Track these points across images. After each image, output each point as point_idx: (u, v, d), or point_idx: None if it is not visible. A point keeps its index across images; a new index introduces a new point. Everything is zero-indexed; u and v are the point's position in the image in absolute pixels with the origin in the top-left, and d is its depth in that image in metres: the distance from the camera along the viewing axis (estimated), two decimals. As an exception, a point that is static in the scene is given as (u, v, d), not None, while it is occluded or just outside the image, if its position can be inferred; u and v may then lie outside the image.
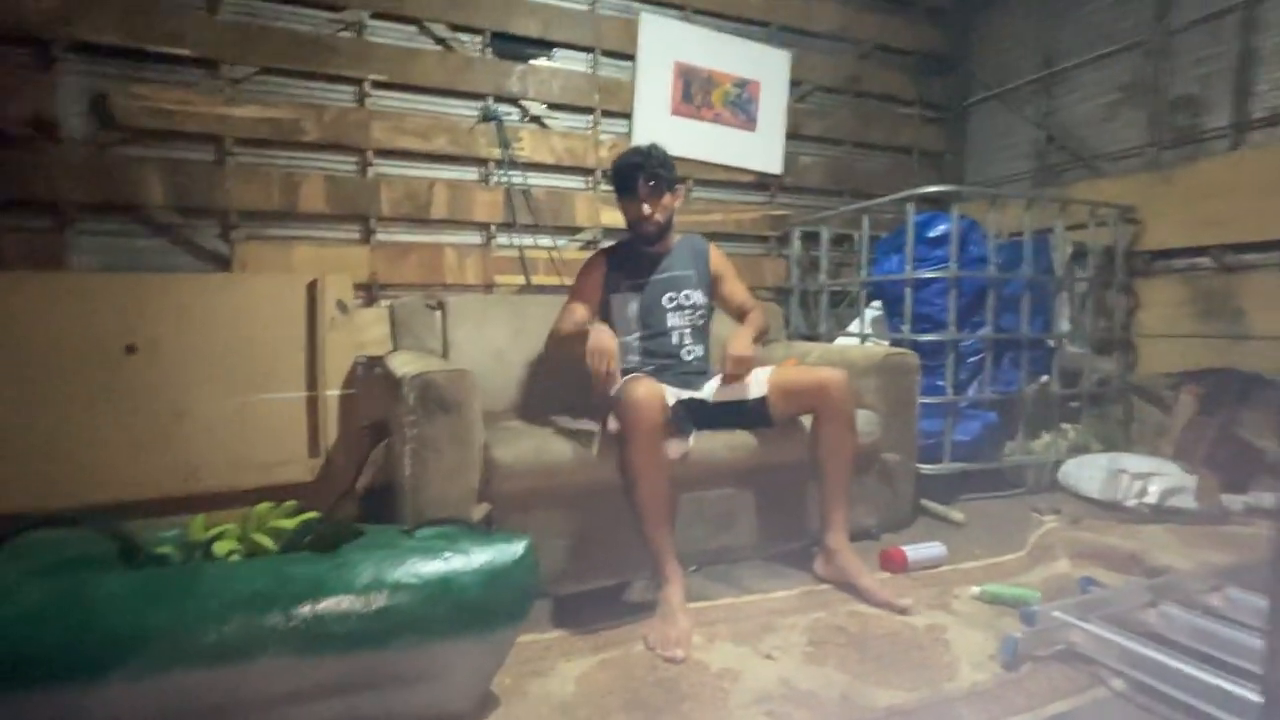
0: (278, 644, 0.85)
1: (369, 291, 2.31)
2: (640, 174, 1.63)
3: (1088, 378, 2.45)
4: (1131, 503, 2.01)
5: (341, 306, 2.08)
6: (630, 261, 1.75)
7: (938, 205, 2.46)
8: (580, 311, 1.69)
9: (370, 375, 2.20)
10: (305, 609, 0.87)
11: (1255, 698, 0.93)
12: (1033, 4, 3.00)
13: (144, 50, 1.99)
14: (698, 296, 1.74)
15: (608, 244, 1.79)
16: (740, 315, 1.79)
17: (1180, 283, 2.41)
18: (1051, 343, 2.39)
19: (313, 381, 2.05)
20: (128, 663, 0.80)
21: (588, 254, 2.58)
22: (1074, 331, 2.47)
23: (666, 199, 1.68)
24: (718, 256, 1.83)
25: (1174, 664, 1.05)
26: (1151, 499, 1.98)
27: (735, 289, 1.83)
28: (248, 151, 2.15)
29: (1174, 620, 1.26)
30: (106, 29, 1.95)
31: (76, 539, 1.00)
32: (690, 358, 1.72)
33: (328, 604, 0.88)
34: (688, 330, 1.72)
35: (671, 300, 1.72)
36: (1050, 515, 1.99)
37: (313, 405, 2.05)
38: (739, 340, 1.60)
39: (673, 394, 1.51)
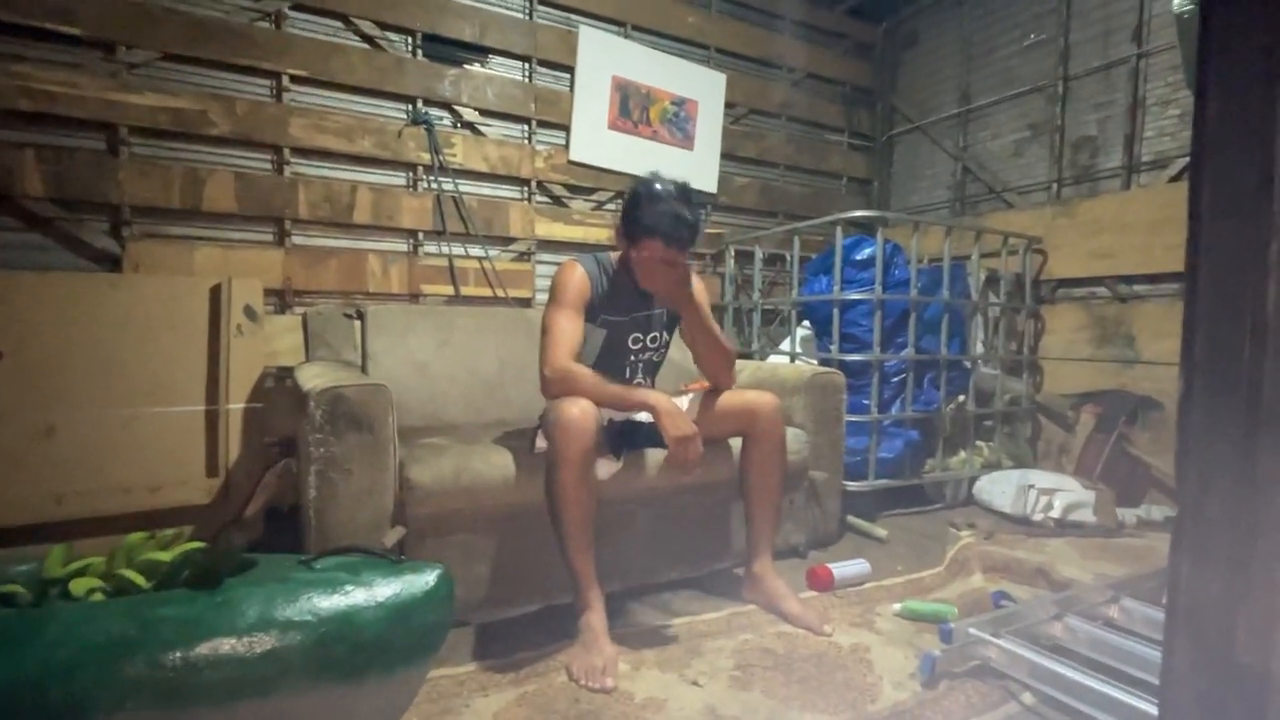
0: (139, 696, 0.75)
1: (282, 298, 2.16)
2: (685, 229, 1.38)
3: (1000, 397, 2.58)
4: (1038, 517, 2.11)
5: (250, 313, 1.93)
6: (610, 291, 1.52)
7: (865, 229, 2.55)
8: (577, 330, 1.44)
9: (280, 388, 2.05)
10: (174, 655, 0.77)
11: (1152, 710, 0.97)
12: (951, 46, 3.19)
13: (25, 25, 1.80)
14: (664, 336, 1.62)
15: (585, 257, 1.53)
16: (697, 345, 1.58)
17: (1080, 309, 2.58)
18: (968, 364, 2.51)
19: (214, 394, 1.89)
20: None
21: (521, 266, 2.55)
22: (987, 353, 2.61)
23: (684, 272, 1.44)
24: (699, 290, 1.54)
25: (1077, 678, 1.09)
26: (1055, 513, 2.09)
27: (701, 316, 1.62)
28: (145, 142, 1.97)
29: (1077, 633, 1.31)
30: (-22, -1, 1.75)
31: None
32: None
33: (203, 649, 0.78)
34: (641, 365, 1.61)
35: (637, 341, 1.57)
36: (966, 530, 2.06)
37: (212, 420, 1.88)
38: (679, 422, 1.37)
39: (605, 414, 1.46)
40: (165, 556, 0.95)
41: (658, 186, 1.41)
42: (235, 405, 1.89)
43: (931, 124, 3.27)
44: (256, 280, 1.97)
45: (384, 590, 0.93)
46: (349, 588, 0.91)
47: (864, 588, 1.66)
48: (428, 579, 0.98)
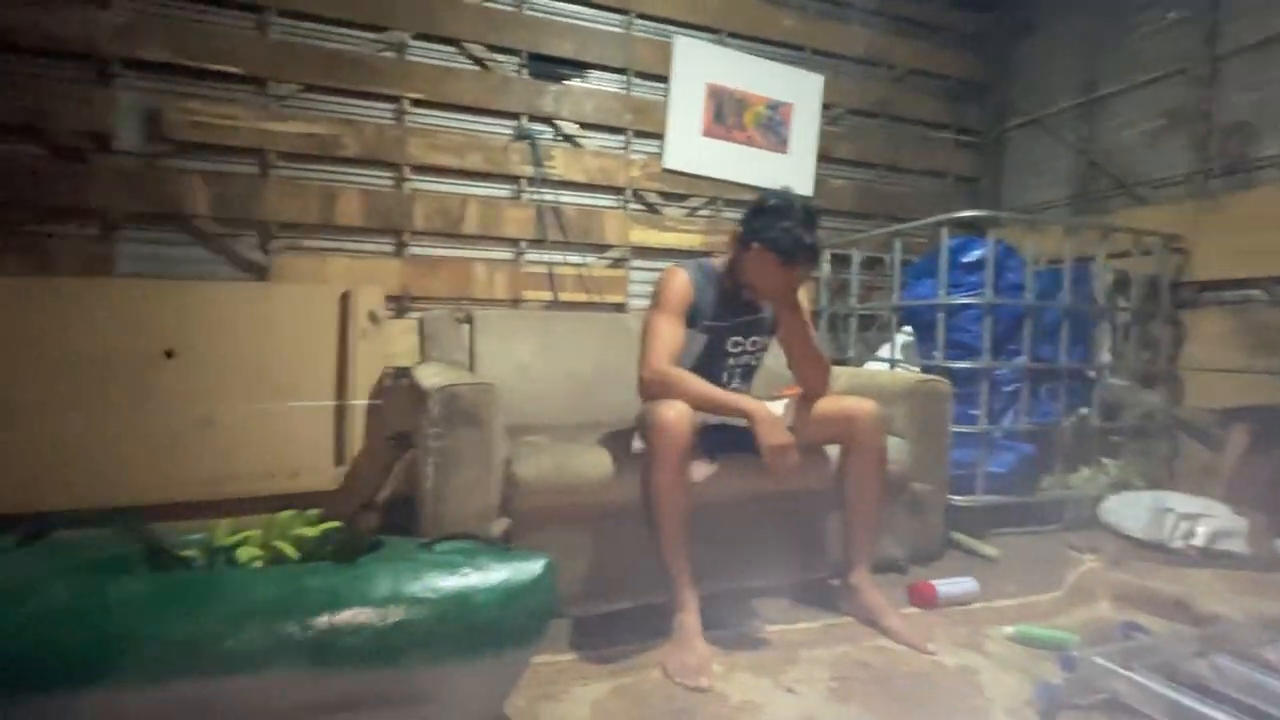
0: (291, 655, 0.85)
1: (399, 303, 2.34)
2: (804, 252, 1.39)
3: (1130, 411, 2.35)
4: (1177, 544, 1.91)
5: (373, 317, 2.11)
6: (711, 296, 1.53)
7: (973, 230, 2.41)
8: (679, 334, 1.46)
9: (397, 386, 2.22)
10: (321, 620, 0.86)
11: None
12: (1073, 32, 2.95)
13: (197, 68, 2.07)
14: (762, 340, 1.62)
15: (688, 263, 1.55)
16: (796, 351, 1.57)
17: (1230, 315, 2.31)
18: (1092, 374, 2.31)
19: (341, 391, 2.08)
20: (142, 668, 0.80)
21: (615, 272, 2.62)
22: (1115, 363, 2.39)
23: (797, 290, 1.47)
24: (801, 298, 1.56)
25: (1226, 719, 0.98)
26: (1199, 541, 1.88)
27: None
28: (289, 165, 2.21)
29: (1226, 673, 1.18)
30: (162, 47, 2.03)
31: (105, 540, 1.01)
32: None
33: (343, 616, 0.87)
34: (739, 370, 1.62)
35: (736, 345, 1.58)
36: (1089, 554, 1.90)
37: (340, 414, 2.07)
38: (775, 430, 1.36)
39: (701, 417, 1.48)
40: (311, 532, 1.06)
41: (785, 203, 1.42)
42: (359, 401, 2.08)
43: (1050, 115, 3.04)
44: (379, 287, 2.15)
45: (496, 575, 0.99)
46: (465, 570, 0.98)
47: (971, 608, 1.57)
48: (535, 567, 1.04)
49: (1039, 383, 2.22)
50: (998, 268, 2.13)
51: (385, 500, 1.50)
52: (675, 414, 1.32)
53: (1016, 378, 2.16)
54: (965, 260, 2.21)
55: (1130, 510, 2.08)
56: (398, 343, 2.27)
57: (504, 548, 1.10)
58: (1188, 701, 1.04)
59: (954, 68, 3.21)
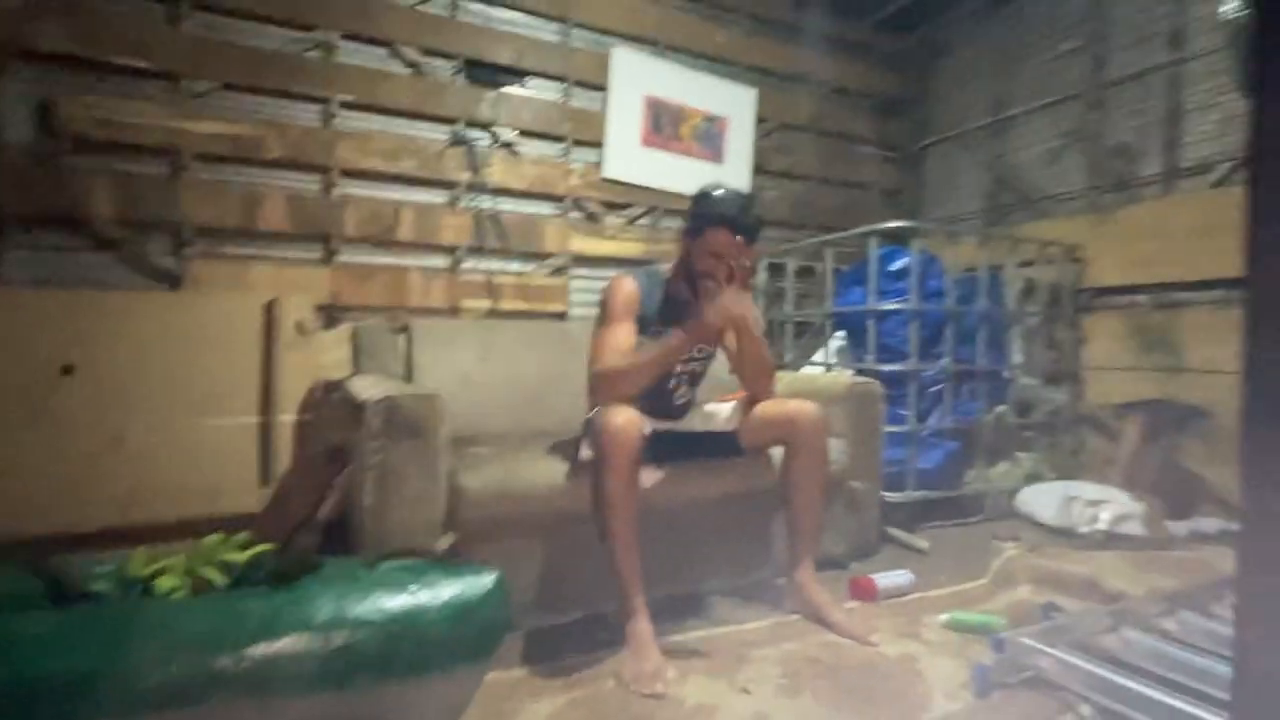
0: (228, 687, 0.79)
1: (329, 313, 2.23)
2: (749, 217, 1.45)
3: (1040, 408, 2.54)
4: (1084, 529, 2.07)
5: (301, 328, 2.01)
6: (659, 303, 1.54)
7: (898, 240, 2.55)
8: (628, 338, 1.46)
9: (328, 399, 2.12)
10: (259, 648, 0.81)
11: (1210, 717, 0.95)
12: (983, 55, 3.19)
13: (99, 61, 1.92)
14: (710, 348, 1.64)
15: (636, 271, 1.57)
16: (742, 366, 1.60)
17: (1121, 318, 2.54)
18: (1007, 374, 2.48)
19: (266, 405, 1.96)
20: (58, 711, 0.72)
21: (556, 281, 2.60)
22: (1026, 364, 2.58)
23: (746, 268, 1.47)
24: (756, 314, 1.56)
25: (1140, 689, 1.07)
26: (1103, 525, 2.05)
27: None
28: (206, 167, 2.07)
29: (1134, 645, 1.29)
30: (60, 37, 1.87)
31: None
32: (680, 402, 1.66)
33: (284, 643, 0.83)
34: (686, 377, 1.63)
35: (690, 348, 1.55)
36: (1010, 542, 2.03)
37: (265, 430, 1.95)
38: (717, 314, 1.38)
39: (649, 424, 1.48)
40: (240, 557, 1.00)
41: (721, 185, 1.50)
42: (286, 416, 1.97)
43: (963, 134, 3.26)
44: (306, 296, 2.05)
45: (446, 591, 0.96)
46: (414, 587, 0.95)
47: (908, 599, 1.64)
48: (486, 582, 1.01)
49: (961, 383, 2.37)
50: (921, 276, 2.26)
51: (325, 519, 1.43)
52: (625, 420, 1.32)
53: (941, 379, 2.29)
54: (892, 269, 2.33)
55: (1043, 500, 2.24)
56: (328, 354, 2.16)
57: (452, 563, 1.07)
58: (1102, 673, 1.13)
59: (878, 86, 3.40)
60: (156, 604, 0.87)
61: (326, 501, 1.40)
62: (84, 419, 1.74)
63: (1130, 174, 2.61)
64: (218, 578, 0.94)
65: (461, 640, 0.95)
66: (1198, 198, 2.34)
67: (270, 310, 1.98)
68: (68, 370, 1.75)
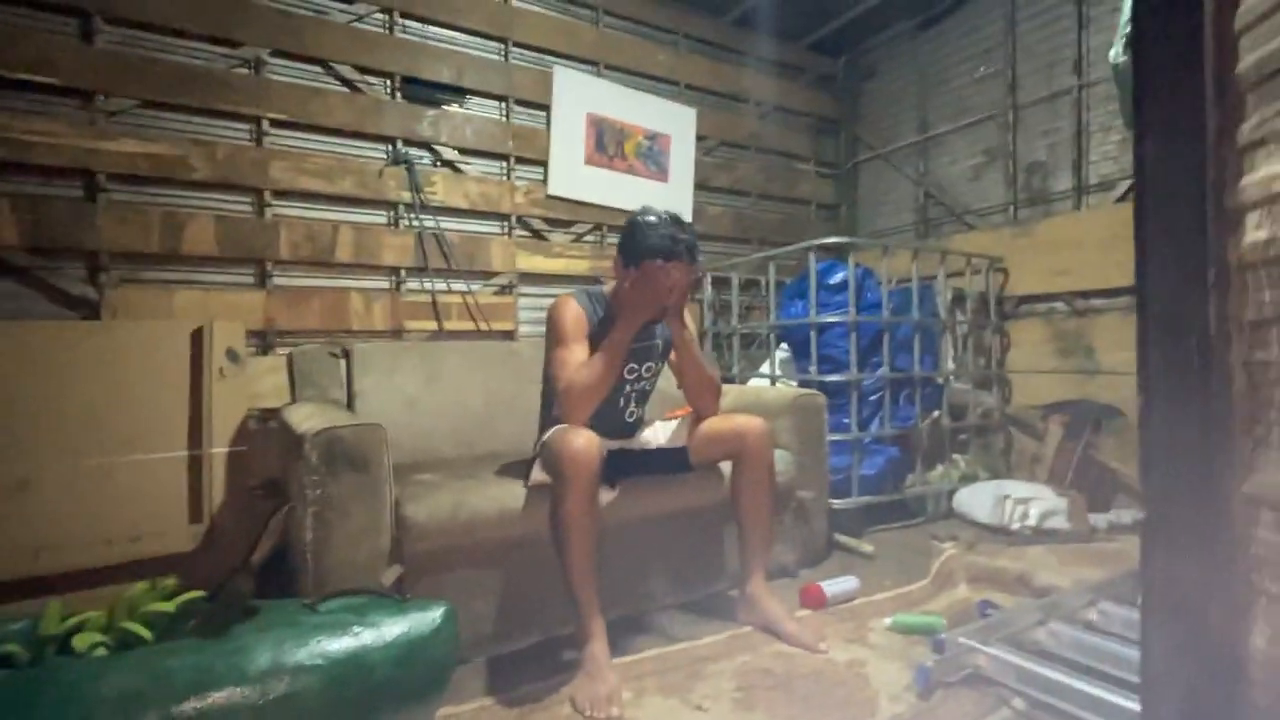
0: (153, 752, 0.75)
1: (264, 339, 2.15)
2: (684, 247, 1.44)
3: (972, 411, 2.67)
4: (1015, 526, 2.19)
5: (232, 355, 1.92)
6: (603, 322, 1.54)
7: (836, 254, 2.65)
8: (585, 358, 1.47)
9: (264, 430, 2.03)
10: (188, 707, 0.77)
11: (1134, 706, 1.02)
12: (908, 78, 3.36)
13: (5, 78, 1.80)
14: (657, 365, 1.66)
15: (576, 293, 1.58)
16: (687, 379, 1.63)
17: (1041, 324, 2.71)
18: (940, 380, 2.60)
19: (196, 439, 1.86)
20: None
21: (503, 299, 2.58)
22: (958, 369, 2.71)
23: (686, 294, 1.50)
24: (689, 321, 1.64)
25: (1063, 680, 1.14)
26: (1032, 522, 2.17)
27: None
28: (124, 189, 1.97)
29: (1060, 637, 1.37)
30: (-45, 52, 1.75)
31: None
32: (630, 419, 1.67)
33: (217, 698, 0.79)
34: (635, 395, 1.65)
35: (632, 371, 1.59)
36: (948, 542, 2.12)
37: (195, 465, 1.85)
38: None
39: (604, 444, 1.48)
40: (168, 607, 0.94)
41: (653, 214, 1.49)
42: (219, 449, 1.87)
43: (892, 151, 3.43)
44: (239, 322, 1.96)
45: (391, 630, 0.94)
46: (357, 629, 0.92)
47: (855, 603, 1.69)
48: (434, 616, 1.00)
49: (899, 390, 2.47)
50: (858, 288, 2.35)
51: (261, 559, 1.36)
52: (585, 442, 1.32)
53: (880, 387, 2.38)
54: (831, 282, 2.42)
55: (977, 499, 2.36)
56: (262, 382, 2.09)
57: (398, 598, 1.04)
58: (1032, 667, 1.20)
59: (812, 105, 3.53)
60: (75, 664, 0.81)
61: (261, 542, 1.34)
62: (-14, 462, 1.61)
63: (1044, 190, 2.79)
64: (142, 631, 0.89)
65: (410, 679, 0.93)
66: (1104, 212, 2.53)
67: (198, 338, 1.89)
68: (-33, 408, 1.63)
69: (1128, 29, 1.07)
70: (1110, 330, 2.49)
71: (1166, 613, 0.76)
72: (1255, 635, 0.67)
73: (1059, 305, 2.68)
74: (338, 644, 0.89)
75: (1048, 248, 2.66)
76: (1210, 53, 0.68)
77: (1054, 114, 2.75)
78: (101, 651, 0.87)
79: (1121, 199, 2.50)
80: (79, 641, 0.86)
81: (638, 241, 1.46)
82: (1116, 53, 1.12)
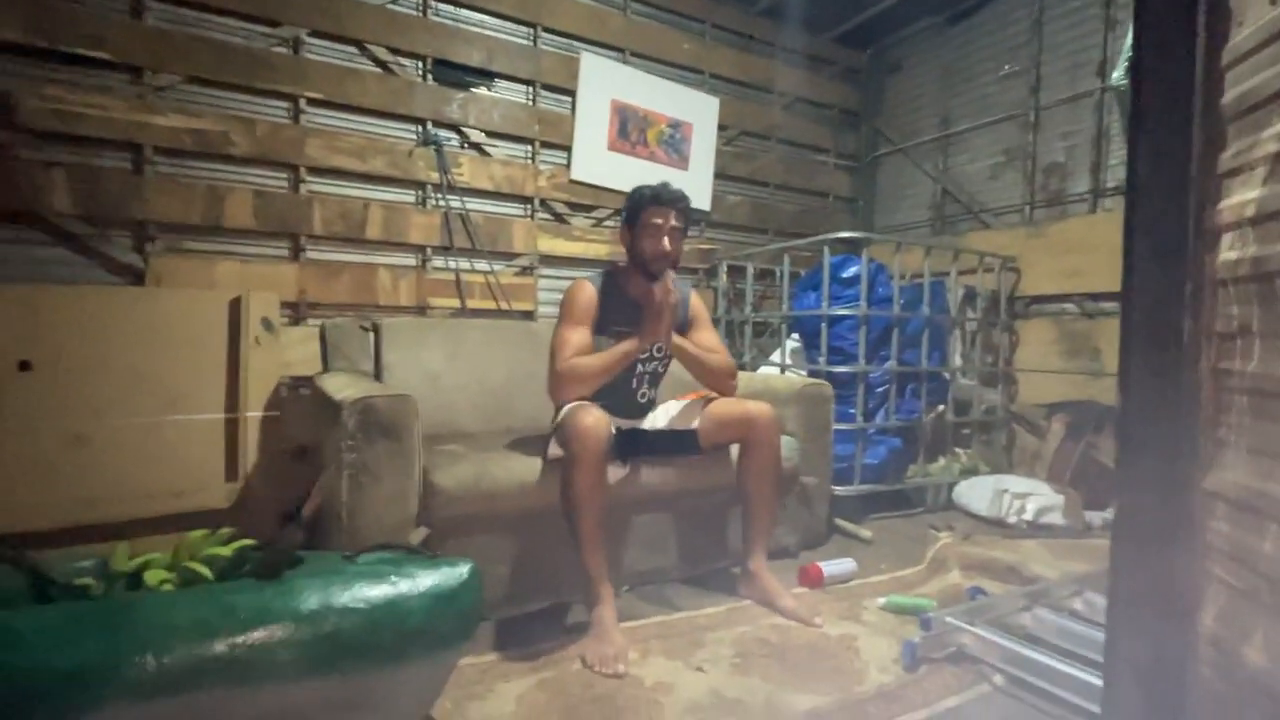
0: (221, 674, 0.85)
1: (296, 310, 2.25)
2: (672, 207, 1.61)
3: (976, 407, 2.73)
4: (1012, 519, 2.26)
5: (267, 325, 2.02)
6: (616, 303, 1.64)
7: (850, 247, 2.69)
8: (584, 341, 1.59)
9: (296, 396, 2.14)
10: (250, 637, 0.87)
11: (1099, 682, 1.10)
12: (932, 73, 3.36)
13: (58, 51, 1.89)
14: (667, 348, 1.69)
15: (594, 275, 1.69)
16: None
17: (1051, 324, 2.75)
18: (946, 375, 2.66)
19: (233, 403, 1.98)
20: (60, 702, 0.77)
21: (524, 280, 2.66)
22: (965, 366, 2.76)
23: (682, 239, 1.65)
24: (696, 303, 1.78)
25: (1040, 659, 1.22)
26: (1028, 516, 2.24)
27: (705, 336, 1.75)
28: (169, 161, 2.06)
29: (1044, 622, 1.44)
30: (16, 26, 1.83)
31: None
32: (643, 400, 1.75)
33: (273, 631, 0.88)
34: (647, 376, 1.73)
35: (643, 352, 1.65)
36: (945, 532, 2.20)
37: (232, 428, 1.97)
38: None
39: (615, 423, 1.57)
40: (225, 551, 1.05)
41: (646, 183, 1.66)
42: (253, 414, 1.98)
43: (913, 146, 3.44)
44: (273, 293, 2.06)
45: (425, 580, 1.03)
46: (394, 578, 1.02)
47: (851, 584, 1.78)
48: (462, 571, 1.09)
49: (905, 384, 2.53)
50: (870, 283, 2.41)
51: (308, 516, 1.46)
52: (594, 420, 1.41)
53: (886, 380, 2.45)
54: (844, 275, 2.47)
55: (976, 492, 2.43)
56: (294, 351, 2.19)
57: (429, 555, 1.14)
58: (1014, 646, 1.28)
59: (834, 98, 3.55)
60: (150, 597, 0.92)
61: (311, 500, 1.44)
62: (44, 416, 1.73)
63: (1061, 191, 2.81)
64: (204, 571, 0.99)
65: (439, 627, 1.02)
66: (1120, 216, 2.53)
67: (236, 307, 1.99)
68: (25, 366, 1.74)
69: (1129, 54, 1.11)
70: (1118, 334, 2.52)
71: (1130, 594, 0.84)
72: (1205, 615, 0.74)
73: (1069, 306, 2.71)
74: (377, 590, 0.98)
75: (1062, 249, 2.69)
76: (1200, 84, 0.73)
77: (1075, 116, 2.76)
78: (169, 587, 0.97)
79: (1137, 204, 2.52)
80: (150, 577, 0.97)
81: (633, 201, 1.64)
82: (1119, 76, 1.16)
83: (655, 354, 1.72)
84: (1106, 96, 2.65)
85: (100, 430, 1.80)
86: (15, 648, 0.79)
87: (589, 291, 1.63)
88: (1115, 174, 2.64)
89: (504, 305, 2.60)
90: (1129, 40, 1.16)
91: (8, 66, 1.84)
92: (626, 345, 1.56)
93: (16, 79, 1.84)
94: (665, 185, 1.63)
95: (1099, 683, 1.12)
